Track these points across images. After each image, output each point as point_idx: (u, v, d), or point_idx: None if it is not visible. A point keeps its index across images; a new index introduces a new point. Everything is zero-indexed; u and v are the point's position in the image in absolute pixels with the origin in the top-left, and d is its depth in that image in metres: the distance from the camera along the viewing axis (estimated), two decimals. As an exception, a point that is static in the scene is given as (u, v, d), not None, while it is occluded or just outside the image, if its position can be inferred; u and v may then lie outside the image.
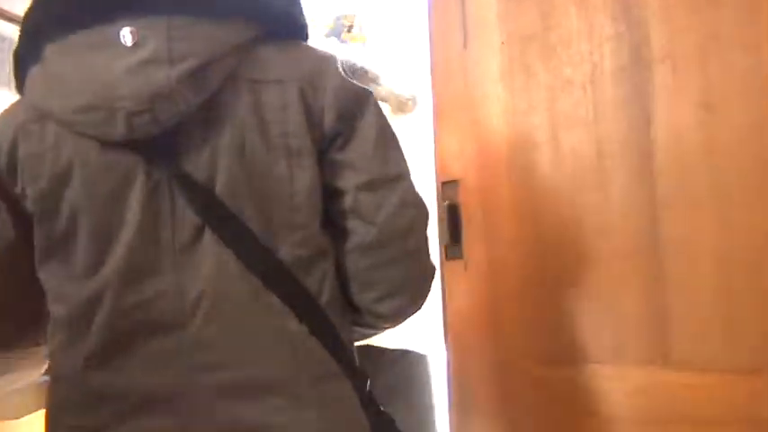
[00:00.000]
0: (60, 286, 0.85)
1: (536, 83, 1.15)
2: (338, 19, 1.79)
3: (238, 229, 0.81)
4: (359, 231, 0.86)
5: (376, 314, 0.91)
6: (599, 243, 1.08)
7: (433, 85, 1.28)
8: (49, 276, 0.85)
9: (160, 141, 0.80)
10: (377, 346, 1.37)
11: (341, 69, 0.88)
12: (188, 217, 0.80)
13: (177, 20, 0.80)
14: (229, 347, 0.80)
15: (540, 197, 1.13)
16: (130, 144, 0.80)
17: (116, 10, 0.80)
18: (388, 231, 0.86)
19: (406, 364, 1.49)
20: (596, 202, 1.08)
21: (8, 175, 0.85)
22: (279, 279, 0.82)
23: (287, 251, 0.82)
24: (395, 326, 0.96)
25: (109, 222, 0.81)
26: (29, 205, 0.84)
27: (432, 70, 1.29)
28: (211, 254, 0.80)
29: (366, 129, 0.86)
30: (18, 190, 0.85)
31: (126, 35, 0.79)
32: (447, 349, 1.24)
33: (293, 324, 0.82)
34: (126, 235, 0.80)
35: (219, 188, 0.80)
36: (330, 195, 0.86)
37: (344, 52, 1.15)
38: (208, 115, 0.81)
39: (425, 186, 1.74)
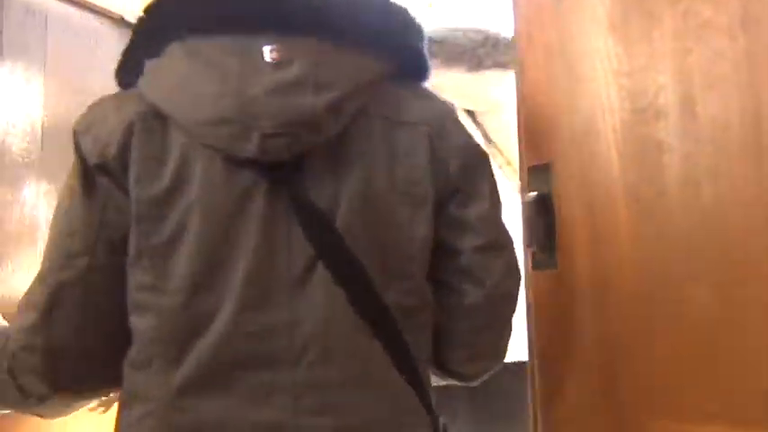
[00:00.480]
0: (150, 297, 0.78)
1: (660, 31, 0.85)
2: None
3: (352, 267, 0.78)
4: (467, 292, 0.86)
5: (460, 373, 0.94)
6: (755, 251, 0.76)
7: (518, 41, 1.00)
8: (136, 283, 0.79)
9: (285, 167, 0.78)
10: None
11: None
12: (303, 247, 0.77)
13: (325, 45, 0.79)
14: (336, 392, 0.77)
15: (669, 183, 0.82)
16: (256, 164, 0.77)
17: (260, 23, 0.79)
18: (495, 296, 0.87)
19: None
20: (749, 190, 0.76)
21: (116, 170, 0.79)
22: (385, 326, 0.80)
23: (394, 299, 0.81)
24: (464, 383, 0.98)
25: (221, 241, 0.77)
26: (132, 205, 0.78)
27: (515, 23, 1.00)
28: (323, 290, 0.77)
29: (486, 189, 0.86)
30: (124, 187, 0.79)
31: (269, 52, 0.77)
32: (531, 393, 0.94)
33: (395, 374, 0.80)
34: (243, 260, 0.76)
35: (339, 222, 0.78)
36: (444, 251, 0.85)
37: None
38: (336, 148, 0.79)
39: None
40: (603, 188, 0.88)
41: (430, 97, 0.89)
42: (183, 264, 0.77)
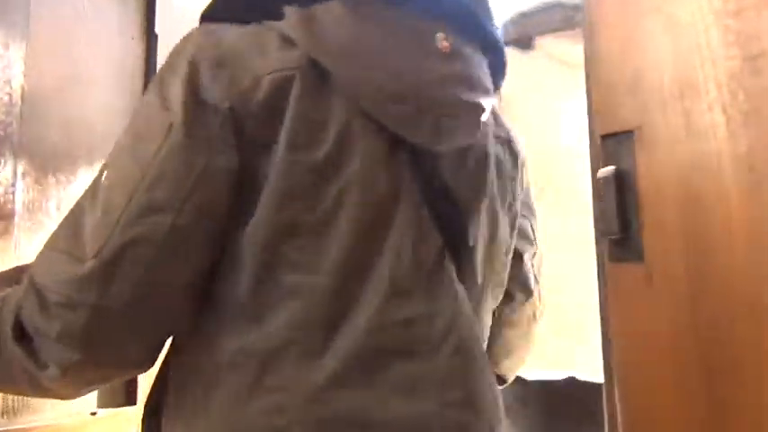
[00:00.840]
0: (301, 278, 0.70)
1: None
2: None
3: (472, 263, 0.81)
4: (519, 299, 1.01)
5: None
6: None
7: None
8: (284, 262, 0.69)
9: (431, 157, 0.78)
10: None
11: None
12: (435, 238, 0.76)
13: (476, 49, 0.82)
14: (471, 388, 0.75)
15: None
16: (413, 149, 0.75)
17: (435, 9, 0.78)
18: (540, 305, 1.05)
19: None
20: None
21: (256, 123, 0.69)
22: (485, 329, 0.87)
23: (492, 304, 0.90)
24: None
25: (377, 225, 0.72)
26: (275, 171, 0.69)
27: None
28: (450, 283, 0.76)
29: (534, 204, 1.03)
30: (255, 142, 0.69)
31: (441, 40, 0.77)
32: (609, 424, 0.74)
33: (493, 376, 0.81)
34: (393, 245, 0.72)
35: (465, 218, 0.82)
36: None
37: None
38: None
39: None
40: (704, 158, 0.69)
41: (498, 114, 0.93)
42: (335, 246, 0.70)
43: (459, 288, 0.77)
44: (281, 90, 0.69)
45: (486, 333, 0.88)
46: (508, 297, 0.97)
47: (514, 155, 0.92)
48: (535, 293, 1.02)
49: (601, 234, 0.75)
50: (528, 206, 1.00)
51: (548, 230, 1.15)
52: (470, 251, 0.80)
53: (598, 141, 0.75)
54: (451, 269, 0.77)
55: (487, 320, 0.88)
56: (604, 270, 0.74)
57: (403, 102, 0.72)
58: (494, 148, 0.87)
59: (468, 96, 0.76)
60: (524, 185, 0.97)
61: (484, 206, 0.83)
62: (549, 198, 3.08)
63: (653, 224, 0.72)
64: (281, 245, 0.69)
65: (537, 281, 1.03)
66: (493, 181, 0.85)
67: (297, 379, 0.67)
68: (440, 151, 0.78)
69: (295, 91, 0.69)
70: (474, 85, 0.78)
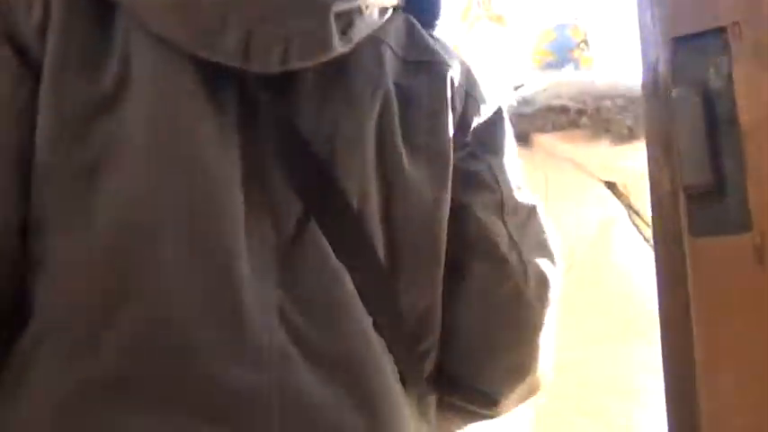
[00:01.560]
0: (60, 241, 0.58)
1: None
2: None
3: (358, 233, 0.64)
4: (479, 271, 0.74)
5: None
6: None
7: None
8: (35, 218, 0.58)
9: (269, 86, 0.63)
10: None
11: None
12: (289, 202, 0.63)
13: None
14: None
15: None
16: (228, 75, 0.61)
17: None
18: (526, 279, 0.74)
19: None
20: None
21: (32, 45, 0.58)
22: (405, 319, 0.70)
23: (412, 288, 0.70)
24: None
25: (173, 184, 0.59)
26: (45, 104, 0.57)
27: None
28: (323, 263, 0.63)
29: (504, 143, 0.83)
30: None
31: None
32: None
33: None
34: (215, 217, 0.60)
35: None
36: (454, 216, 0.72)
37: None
38: (336, 76, 0.66)
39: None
40: None
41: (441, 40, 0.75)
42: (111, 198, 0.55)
43: (339, 267, 0.60)
44: (47, 7, 0.57)
45: (424, 329, 0.66)
46: (460, 271, 0.69)
47: (439, 81, 0.69)
48: (511, 260, 0.69)
49: (672, 186, 0.43)
50: (484, 144, 0.73)
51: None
52: (351, 217, 0.61)
53: (669, 44, 0.46)
54: (323, 244, 0.60)
55: (412, 310, 0.65)
56: (669, 250, 0.42)
57: (194, 10, 0.57)
58: (392, 76, 0.66)
59: None
60: (471, 118, 0.72)
61: (367, 154, 0.63)
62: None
63: (762, 176, 0.41)
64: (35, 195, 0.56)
65: (514, 243, 0.70)
66: (388, 119, 0.64)
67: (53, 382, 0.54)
68: (281, 82, 0.60)
69: (61, 6, 0.57)
70: None
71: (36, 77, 0.56)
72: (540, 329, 0.71)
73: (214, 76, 0.58)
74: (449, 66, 0.71)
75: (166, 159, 0.56)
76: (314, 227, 0.60)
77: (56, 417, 0.52)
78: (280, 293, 0.57)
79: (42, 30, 0.57)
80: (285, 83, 0.61)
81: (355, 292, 0.60)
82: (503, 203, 0.71)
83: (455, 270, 0.68)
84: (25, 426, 0.53)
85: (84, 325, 0.54)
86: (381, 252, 0.63)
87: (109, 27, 0.59)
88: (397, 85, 0.66)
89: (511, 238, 0.70)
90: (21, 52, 0.57)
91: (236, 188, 0.56)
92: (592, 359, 1.36)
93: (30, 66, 0.57)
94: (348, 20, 0.61)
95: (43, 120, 0.56)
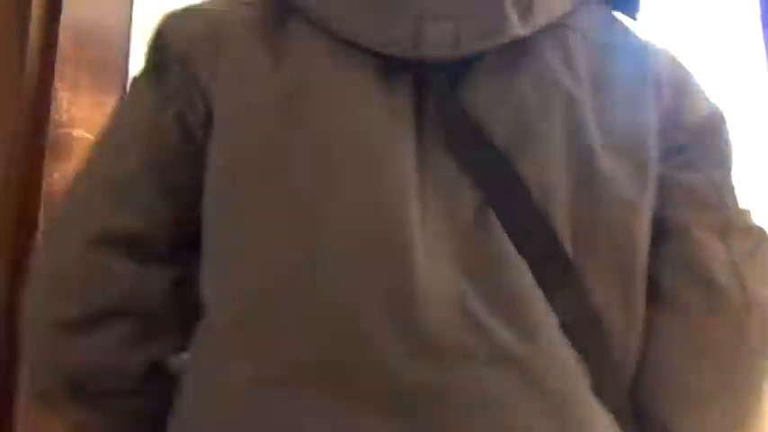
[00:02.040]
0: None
1: None
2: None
3: (541, 224, 0.59)
4: (686, 299, 0.63)
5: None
6: None
7: None
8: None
9: (444, 73, 0.60)
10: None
11: None
12: (467, 196, 0.59)
13: None
14: None
15: None
16: (402, 66, 0.59)
17: None
18: (752, 318, 0.63)
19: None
20: None
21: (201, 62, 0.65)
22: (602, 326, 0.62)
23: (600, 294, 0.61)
24: None
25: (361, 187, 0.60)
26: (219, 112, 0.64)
27: None
28: (504, 257, 0.58)
29: (727, 154, 0.71)
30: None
31: None
32: None
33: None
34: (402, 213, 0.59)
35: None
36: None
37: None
38: (519, 62, 0.61)
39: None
40: None
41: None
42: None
43: (519, 261, 0.55)
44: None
45: (616, 341, 0.58)
46: (666, 299, 0.61)
47: (638, 66, 0.63)
48: (732, 292, 0.59)
49: None
50: (705, 152, 0.64)
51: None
52: (533, 210, 0.56)
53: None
54: (502, 236, 0.56)
55: (607, 320, 0.58)
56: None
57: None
58: (582, 60, 0.60)
59: None
60: (684, 116, 0.64)
61: (552, 145, 0.58)
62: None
63: None
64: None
65: (739, 272, 0.60)
66: (576, 107, 0.58)
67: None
68: (456, 70, 0.58)
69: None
70: None
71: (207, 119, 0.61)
72: (765, 378, 0.62)
73: (389, 70, 0.58)
74: (650, 52, 0.66)
75: (345, 159, 0.57)
76: (493, 217, 0.56)
77: (246, 404, 0.53)
78: (459, 286, 0.54)
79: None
80: (462, 69, 0.59)
81: (538, 288, 0.55)
82: (728, 225, 0.62)
83: (658, 297, 0.61)
84: (216, 414, 0.54)
85: (266, 314, 0.55)
86: (569, 249, 0.57)
87: (279, 42, 0.60)
88: (588, 69, 0.61)
89: (735, 266, 0.61)
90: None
91: (411, 179, 0.56)
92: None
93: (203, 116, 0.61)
94: (527, 3, 0.59)
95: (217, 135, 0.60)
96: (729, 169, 0.65)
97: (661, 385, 0.61)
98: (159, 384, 0.61)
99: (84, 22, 1.17)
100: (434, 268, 0.53)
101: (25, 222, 1.05)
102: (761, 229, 0.64)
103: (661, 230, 0.61)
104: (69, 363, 0.60)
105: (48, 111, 1.09)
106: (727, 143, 0.66)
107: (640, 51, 0.66)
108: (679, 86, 0.65)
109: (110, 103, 1.14)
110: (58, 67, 1.11)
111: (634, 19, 0.68)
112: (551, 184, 0.57)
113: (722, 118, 0.67)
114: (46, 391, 0.65)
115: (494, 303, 0.54)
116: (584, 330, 0.57)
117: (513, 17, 0.57)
